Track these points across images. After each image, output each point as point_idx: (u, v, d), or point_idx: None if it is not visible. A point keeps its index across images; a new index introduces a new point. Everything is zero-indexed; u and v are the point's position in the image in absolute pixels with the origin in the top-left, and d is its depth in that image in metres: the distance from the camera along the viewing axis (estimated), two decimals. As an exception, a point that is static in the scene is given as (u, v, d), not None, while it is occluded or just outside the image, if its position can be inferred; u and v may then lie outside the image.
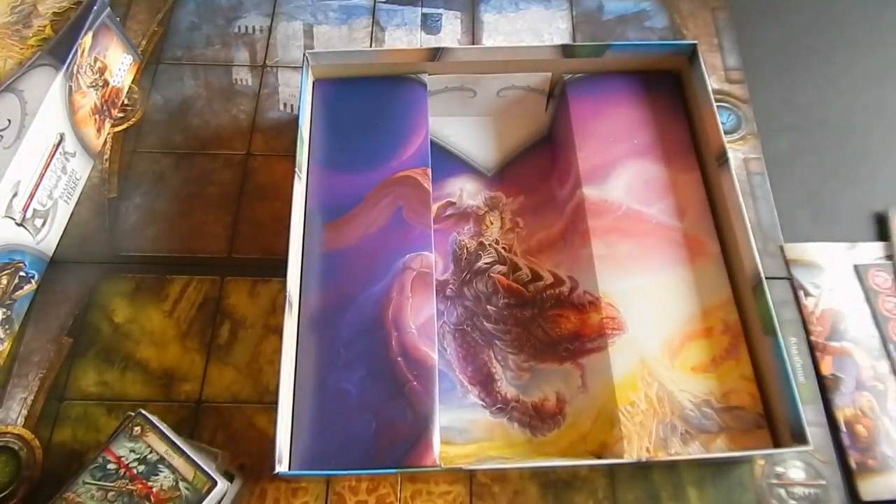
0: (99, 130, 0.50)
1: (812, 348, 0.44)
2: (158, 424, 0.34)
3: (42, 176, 0.44)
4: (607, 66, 0.48)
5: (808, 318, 0.45)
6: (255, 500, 0.39)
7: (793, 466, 0.41)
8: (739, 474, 0.41)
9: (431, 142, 0.47)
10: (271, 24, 0.57)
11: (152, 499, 0.32)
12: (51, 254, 0.46)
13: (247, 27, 0.57)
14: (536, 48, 0.47)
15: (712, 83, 0.55)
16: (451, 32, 0.57)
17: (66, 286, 0.46)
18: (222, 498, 0.35)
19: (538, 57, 0.47)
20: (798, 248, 0.48)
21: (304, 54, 0.46)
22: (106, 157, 0.51)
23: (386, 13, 0.58)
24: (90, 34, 0.47)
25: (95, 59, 0.48)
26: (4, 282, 0.42)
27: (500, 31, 0.58)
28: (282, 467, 0.34)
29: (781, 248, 0.48)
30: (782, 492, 0.40)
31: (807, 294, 0.46)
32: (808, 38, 0.57)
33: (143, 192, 0.49)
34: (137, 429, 0.34)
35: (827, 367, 0.43)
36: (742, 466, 0.41)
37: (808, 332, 0.45)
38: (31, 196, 0.43)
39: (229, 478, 0.38)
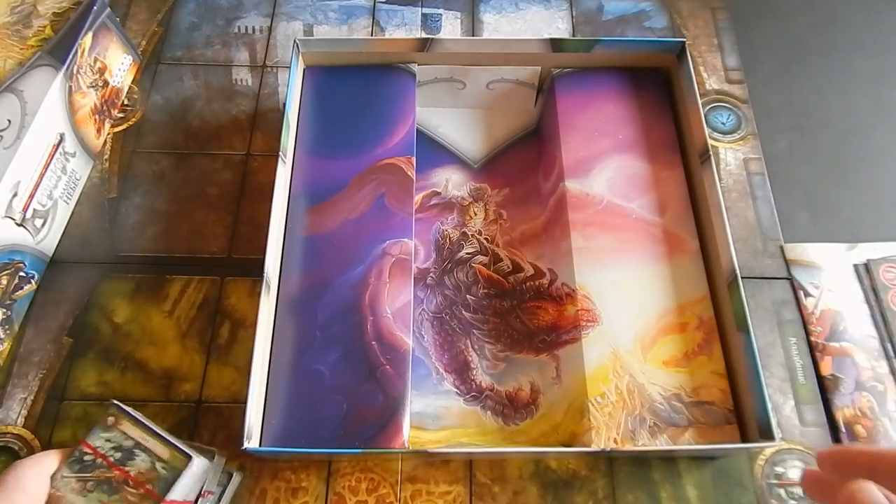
0: (99, 130, 0.50)
1: (812, 348, 0.44)
2: (132, 412, 0.34)
3: (42, 176, 0.44)
4: (597, 61, 0.48)
5: (808, 319, 0.45)
6: (256, 501, 0.39)
7: (792, 466, 0.41)
8: (739, 475, 0.41)
9: (419, 132, 0.47)
10: (271, 25, 0.57)
11: (131, 482, 0.32)
12: (51, 254, 0.46)
13: (247, 27, 0.57)
14: (526, 41, 0.47)
15: (712, 83, 0.55)
16: (451, 33, 0.57)
17: (66, 286, 0.46)
18: (206, 480, 0.34)
19: (528, 50, 0.47)
20: (798, 248, 0.48)
21: (294, 40, 0.46)
22: (106, 157, 0.51)
23: (386, 13, 0.58)
24: (90, 34, 0.47)
25: (95, 60, 0.48)
26: (4, 282, 0.42)
27: (499, 32, 0.58)
28: (251, 444, 0.35)
29: (781, 248, 0.48)
30: (782, 492, 0.40)
31: (806, 294, 0.46)
32: (808, 38, 0.57)
33: (143, 193, 0.49)
34: (111, 419, 0.34)
35: (827, 368, 0.43)
36: (742, 467, 0.41)
37: (807, 333, 0.45)
38: (31, 196, 0.43)
39: (228, 477, 0.38)
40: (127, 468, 0.33)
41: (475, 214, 0.48)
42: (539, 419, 0.42)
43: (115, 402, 0.35)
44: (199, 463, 0.34)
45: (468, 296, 0.45)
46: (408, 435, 0.37)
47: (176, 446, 0.33)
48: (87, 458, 0.33)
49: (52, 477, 0.32)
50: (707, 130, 0.44)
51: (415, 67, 0.48)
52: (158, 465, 0.33)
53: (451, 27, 0.58)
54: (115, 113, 0.52)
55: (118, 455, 0.33)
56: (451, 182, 0.49)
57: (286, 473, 0.40)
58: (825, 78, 0.55)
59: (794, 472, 0.41)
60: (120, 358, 0.43)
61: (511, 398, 0.42)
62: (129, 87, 0.54)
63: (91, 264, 0.47)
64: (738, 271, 0.39)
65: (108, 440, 0.34)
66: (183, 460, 0.33)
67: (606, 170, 0.45)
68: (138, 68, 0.55)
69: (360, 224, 0.43)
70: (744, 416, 0.38)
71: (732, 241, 0.40)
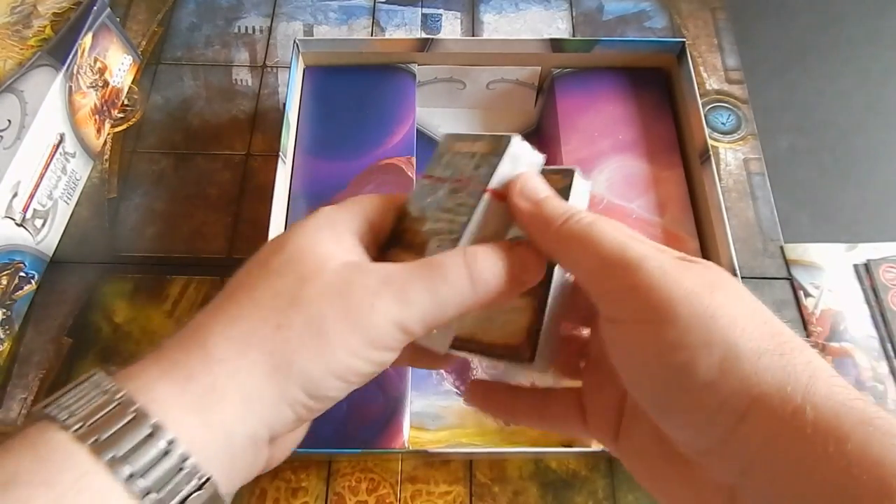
0: (99, 131, 0.50)
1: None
2: (459, 135, 0.30)
3: (42, 176, 0.44)
4: (597, 61, 0.48)
5: (808, 319, 0.45)
6: (256, 501, 0.39)
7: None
8: (739, 474, 0.41)
9: (420, 132, 0.47)
10: (271, 25, 0.57)
11: (462, 184, 0.29)
12: (51, 254, 0.46)
13: (247, 27, 0.57)
14: (526, 42, 0.47)
15: (712, 83, 0.55)
16: (451, 33, 0.57)
17: (66, 286, 0.46)
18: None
19: (528, 50, 0.47)
20: (798, 249, 0.48)
21: (294, 40, 0.46)
22: (106, 157, 0.51)
23: (386, 13, 0.58)
24: (90, 34, 0.47)
25: (95, 60, 0.49)
26: (4, 282, 0.42)
27: (499, 32, 0.58)
28: None
29: (781, 249, 0.48)
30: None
31: (807, 294, 0.46)
32: (808, 38, 0.57)
33: (142, 193, 0.49)
34: (440, 150, 0.31)
35: (827, 368, 0.43)
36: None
37: (807, 333, 0.45)
38: (31, 196, 0.43)
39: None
40: (458, 177, 0.29)
41: None
42: None
43: (448, 133, 0.30)
44: (516, 143, 0.28)
45: None
46: (408, 435, 0.37)
47: (493, 135, 0.29)
48: (424, 186, 0.30)
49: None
50: (707, 130, 0.44)
51: (415, 67, 0.48)
52: (483, 160, 0.29)
53: (451, 27, 0.58)
54: (115, 113, 0.52)
55: (449, 172, 0.30)
56: None
57: (286, 473, 0.40)
58: (825, 78, 0.55)
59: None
60: (120, 358, 0.43)
61: None
62: (129, 87, 0.54)
63: (91, 264, 0.47)
64: (738, 271, 0.39)
65: (441, 166, 0.30)
66: (501, 145, 0.28)
67: (606, 170, 0.45)
68: (138, 68, 0.55)
69: None
70: None
71: (732, 241, 0.40)
